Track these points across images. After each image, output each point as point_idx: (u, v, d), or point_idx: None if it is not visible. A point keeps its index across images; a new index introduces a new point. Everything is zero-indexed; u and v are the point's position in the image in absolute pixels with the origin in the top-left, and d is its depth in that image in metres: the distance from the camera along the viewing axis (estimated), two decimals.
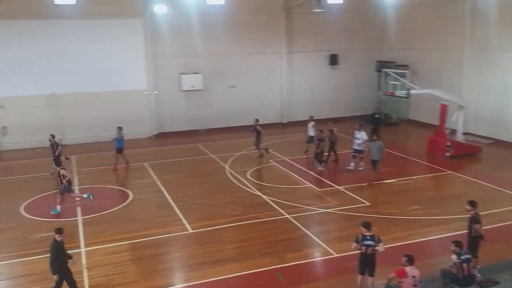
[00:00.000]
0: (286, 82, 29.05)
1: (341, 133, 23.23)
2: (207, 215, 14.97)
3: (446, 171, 19.25)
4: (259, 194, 16.84)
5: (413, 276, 8.90)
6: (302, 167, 19.92)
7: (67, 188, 15.57)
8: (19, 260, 12.19)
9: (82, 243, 13.11)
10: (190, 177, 19.12)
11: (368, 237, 9.81)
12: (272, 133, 26.17)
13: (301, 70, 29.24)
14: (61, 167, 15.98)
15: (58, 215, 15.12)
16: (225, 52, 27.30)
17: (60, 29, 23.97)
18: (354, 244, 9.91)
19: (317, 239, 13.15)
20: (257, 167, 20.29)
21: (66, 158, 17.82)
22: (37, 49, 23.72)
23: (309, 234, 13.51)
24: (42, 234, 13.35)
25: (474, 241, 10.71)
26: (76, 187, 17.84)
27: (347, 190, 17.02)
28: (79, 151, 23.17)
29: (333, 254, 12.23)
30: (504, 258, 11.67)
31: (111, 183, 18.83)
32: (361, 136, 19.07)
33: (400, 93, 21.98)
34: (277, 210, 15.25)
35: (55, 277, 9.83)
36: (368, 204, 15.68)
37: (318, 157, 19.53)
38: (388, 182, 17.96)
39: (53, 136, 19.41)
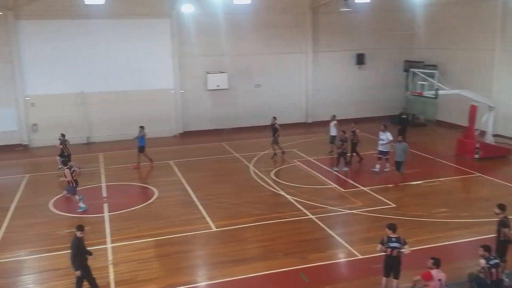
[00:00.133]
0: (312, 82, 28.92)
1: (367, 133, 23.05)
2: (230, 214, 15.04)
3: (475, 174, 18.85)
4: (283, 193, 16.81)
5: (439, 280, 8.77)
6: (326, 167, 19.79)
7: (73, 188, 15.58)
8: (46, 254, 12.49)
9: (108, 239, 13.34)
10: (214, 176, 19.23)
11: (394, 239, 9.69)
12: (297, 132, 26.15)
13: (327, 69, 29.05)
14: (67, 166, 15.96)
15: (85, 211, 15.37)
16: (251, 52, 27.36)
17: (89, 28, 24.46)
18: (379, 246, 9.80)
19: (341, 240, 13.05)
20: (281, 167, 20.26)
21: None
22: (67, 49, 24.24)
23: (333, 235, 13.42)
24: (69, 229, 13.57)
25: (502, 245, 10.48)
26: (103, 184, 18.21)
27: (372, 191, 16.83)
28: (106, 149, 23.64)
29: (357, 256, 12.13)
30: None
31: (137, 180, 19.10)
32: (386, 137, 18.80)
33: (428, 93, 21.61)
34: (301, 210, 15.19)
35: (78, 272, 9.95)
36: (394, 205, 15.47)
37: (341, 158, 19.36)
38: (415, 184, 17.69)
39: (63, 135, 19.94)
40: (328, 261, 12.01)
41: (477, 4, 25.35)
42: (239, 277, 11.20)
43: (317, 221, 14.32)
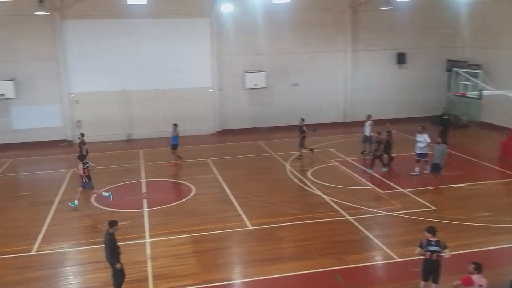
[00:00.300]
0: (351, 81, 28.59)
1: (406, 133, 22.63)
2: (266, 213, 15.08)
3: None
4: (320, 194, 16.71)
5: (480, 285, 8.51)
6: (364, 168, 19.54)
7: (89, 183, 15.85)
8: (88, 247, 12.87)
9: (147, 234, 13.63)
10: (251, 174, 19.32)
11: (433, 243, 9.48)
12: (335, 132, 25.95)
13: (366, 68, 28.66)
14: (82, 162, 15.92)
15: (119, 206, 15.72)
16: (289, 50, 27.30)
17: (131, 28, 25.03)
18: (418, 249, 9.62)
19: (378, 242, 12.86)
20: (318, 167, 20.14)
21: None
22: (110, 47, 24.93)
23: (371, 236, 13.24)
24: None
25: None
26: (143, 180, 18.61)
27: (410, 193, 16.50)
28: (146, 146, 24.17)
29: (395, 259, 11.93)
30: None
31: (175, 177, 19.43)
32: (424, 139, 18.29)
33: (472, 94, 21.03)
34: (338, 211, 15.07)
35: (118, 265, 10.07)
36: (434, 208, 15.12)
37: (378, 159, 19.02)
38: (456, 187, 17.22)
39: (82, 134, 20.67)
40: (365, 263, 11.86)
41: None
42: (274, 276, 11.22)
43: (354, 222, 14.17)
